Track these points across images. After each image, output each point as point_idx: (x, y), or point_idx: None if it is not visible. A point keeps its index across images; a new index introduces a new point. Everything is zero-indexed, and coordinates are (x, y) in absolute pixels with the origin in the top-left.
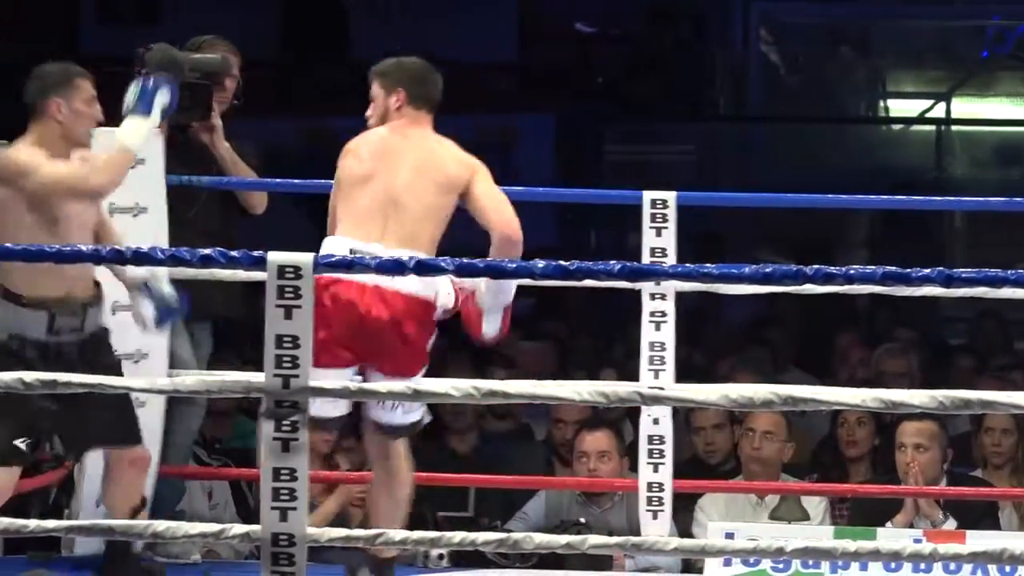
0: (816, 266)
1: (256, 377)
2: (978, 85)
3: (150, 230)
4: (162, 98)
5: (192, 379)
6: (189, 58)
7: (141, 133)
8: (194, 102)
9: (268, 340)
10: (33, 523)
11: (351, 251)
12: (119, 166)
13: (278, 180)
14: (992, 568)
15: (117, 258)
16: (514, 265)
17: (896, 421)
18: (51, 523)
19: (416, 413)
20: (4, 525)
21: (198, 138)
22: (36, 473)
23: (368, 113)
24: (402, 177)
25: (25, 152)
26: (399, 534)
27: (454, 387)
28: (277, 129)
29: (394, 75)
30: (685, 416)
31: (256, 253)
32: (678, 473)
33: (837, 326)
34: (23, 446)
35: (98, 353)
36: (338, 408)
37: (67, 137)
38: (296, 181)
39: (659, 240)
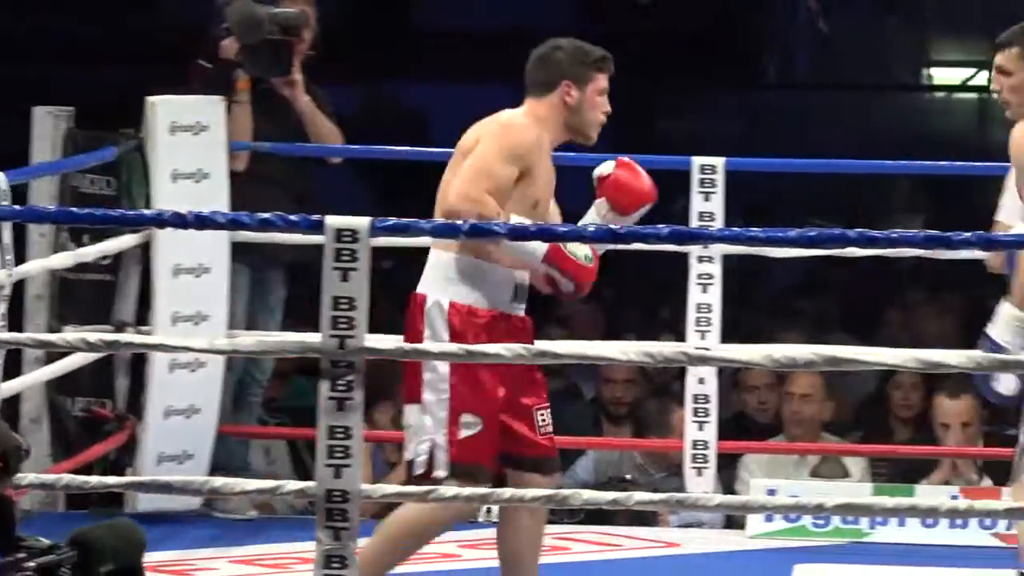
0: (859, 229)
1: (313, 337)
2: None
3: (211, 194)
4: None
5: (250, 339)
6: (269, 13)
7: None
8: (277, 58)
9: (325, 302)
10: (95, 479)
11: None
12: None
13: (356, 147)
14: None
15: (178, 222)
16: (565, 229)
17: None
18: (112, 479)
19: (407, 450)
20: (67, 481)
21: (279, 91)
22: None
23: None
24: None
25: None
26: (450, 490)
27: (505, 348)
28: (338, 94)
29: None
30: (734, 376)
31: (314, 217)
32: (723, 431)
33: (883, 290)
34: None
35: None
36: None
37: None
38: (360, 147)
39: (707, 205)
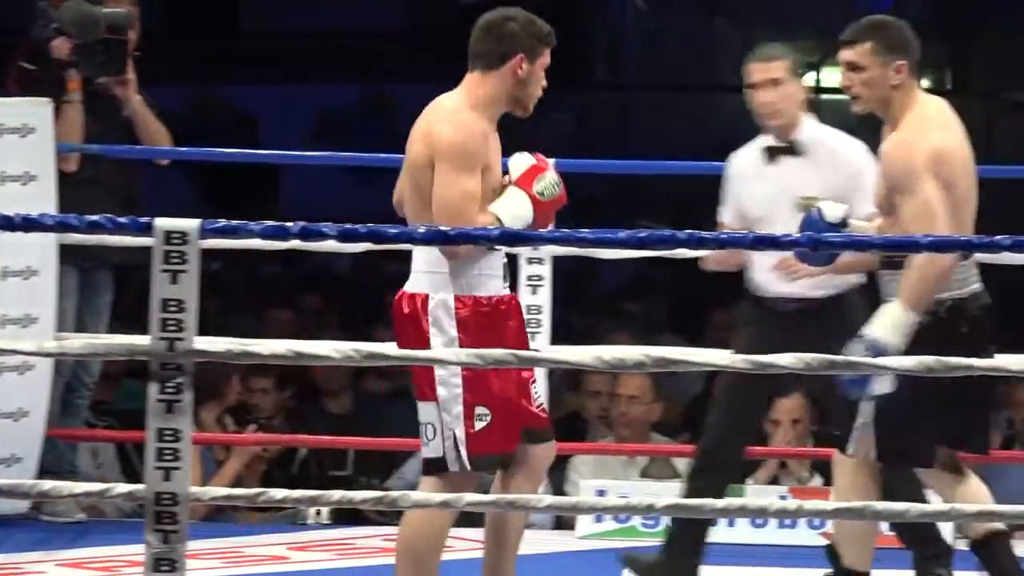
0: (690, 230)
1: (143, 340)
2: None
3: (40, 196)
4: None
5: (79, 342)
6: (101, 13)
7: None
8: (111, 58)
9: (154, 304)
10: None
11: None
12: None
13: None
14: None
15: (5, 225)
16: (393, 232)
17: None
18: None
19: (428, 449)
20: None
21: (109, 91)
22: None
23: None
24: None
25: None
26: (280, 492)
27: (335, 349)
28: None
29: None
30: (574, 378)
31: (143, 219)
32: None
33: (712, 291)
34: None
35: None
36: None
37: None
38: (190, 149)
39: None
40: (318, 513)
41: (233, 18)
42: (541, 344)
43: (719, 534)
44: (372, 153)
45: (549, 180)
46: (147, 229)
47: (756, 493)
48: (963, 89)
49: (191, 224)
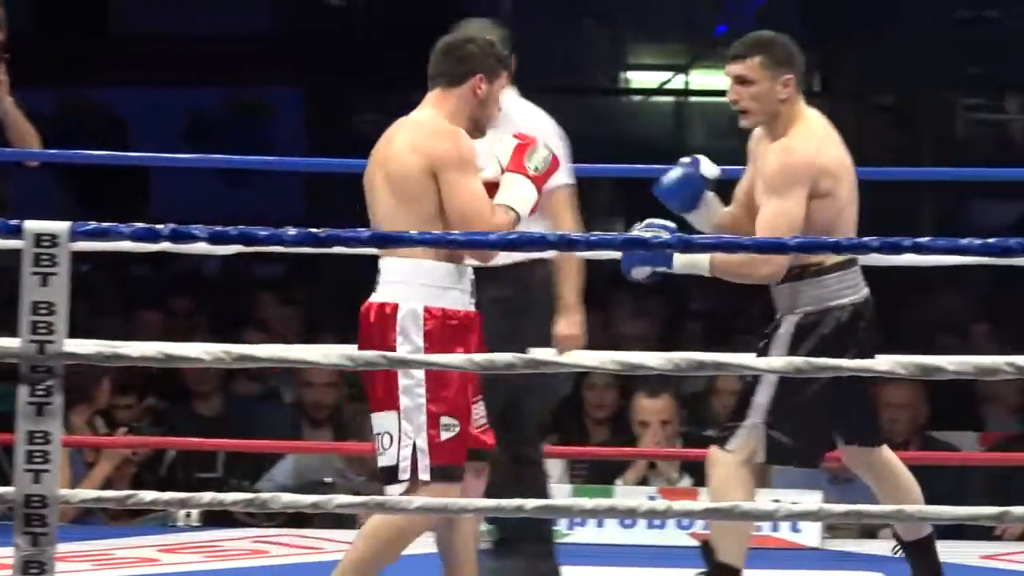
0: (518, 232)
1: (12, 342)
2: (716, 58)
3: None
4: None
5: None
6: None
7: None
8: None
9: (24, 307)
10: None
11: None
12: None
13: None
14: None
15: None
16: (264, 234)
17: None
18: None
19: (384, 458)
20: None
21: None
22: None
23: None
24: None
25: None
26: (149, 495)
27: (205, 351)
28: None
29: None
30: None
31: (12, 221)
32: None
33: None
34: None
35: None
36: None
37: None
38: (60, 151)
39: None
40: (188, 515)
41: (103, 20)
42: None
43: (588, 534)
44: (241, 156)
45: (539, 153)
46: (16, 232)
47: (625, 494)
48: (832, 92)
49: (61, 227)
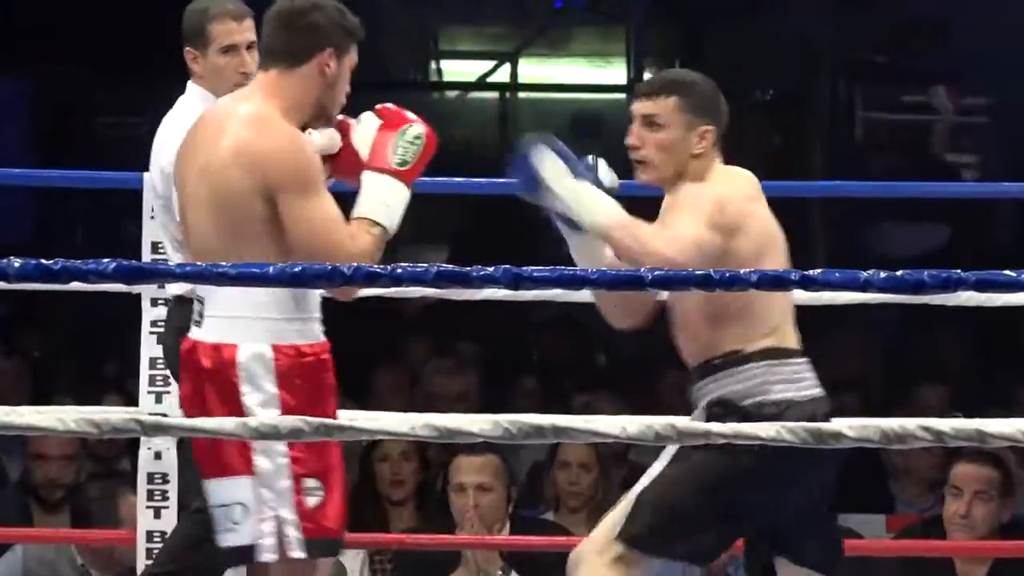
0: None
1: None
2: (549, 44)
3: None
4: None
5: None
6: None
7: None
8: None
9: None
10: None
11: None
12: None
13: None
14: None
15: None
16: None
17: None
18: None
19: (236, 536)
20: None
21: None
22: None
23: None
24: None
25: None
26: None
27: None
28: None
29: None
30: None
31: None
32: None
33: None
34: None
35: None
36: None
37: None
38: None
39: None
40: None
41: None
42: (171, 407)
43: None
44: None
45: (406, 138)
46: None
47: None
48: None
49: None
